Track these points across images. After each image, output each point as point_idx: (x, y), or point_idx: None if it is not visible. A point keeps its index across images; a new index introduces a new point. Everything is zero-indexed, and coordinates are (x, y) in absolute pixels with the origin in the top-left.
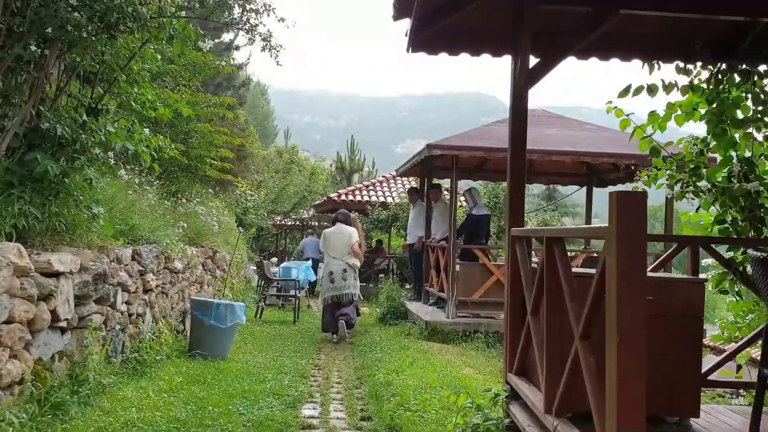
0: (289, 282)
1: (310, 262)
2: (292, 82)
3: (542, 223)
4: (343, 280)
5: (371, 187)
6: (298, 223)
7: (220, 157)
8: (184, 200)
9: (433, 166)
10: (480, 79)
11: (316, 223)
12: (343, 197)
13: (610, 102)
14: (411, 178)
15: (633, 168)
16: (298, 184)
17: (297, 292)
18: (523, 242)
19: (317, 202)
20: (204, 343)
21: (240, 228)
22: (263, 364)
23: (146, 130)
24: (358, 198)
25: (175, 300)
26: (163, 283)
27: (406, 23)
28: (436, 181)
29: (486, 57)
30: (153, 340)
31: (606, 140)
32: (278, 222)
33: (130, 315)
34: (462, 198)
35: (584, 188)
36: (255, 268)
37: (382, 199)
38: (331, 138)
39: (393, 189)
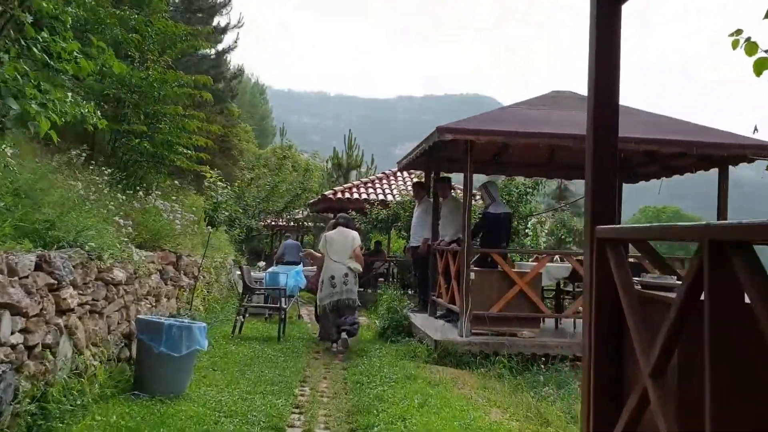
0: (276, 290)
1: (300, 266)
2: (292, 84)
3: (559, 223)
4: (344, 285)
5: (370, 185)
6: (293, 223)
7: (195, 146)
8: (141, 194)
9: (440, 158)
10: (478, 81)
11: (311, 224)
12: (339, 195)
13: (738, 32)
14: (413, 176)
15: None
16: (291, 181)
17: (284, 302)
18: (621, 250)
19: (311, 201)
20: (152, 377)
21: (209, 227)
22: (227, 405)
23: (63, 92)
24: (356, 196)
25: (114, 320)
26: (93, 300)
27: None
28: (443, 175)
29: None
30: (72, 378)
31: (648, 125)
32: (272, 222)
33: (29, 348)
34: (476, 194)
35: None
36: (239, 273)
37: (381, 197)
38: (330, 139)
39: (393, 186)
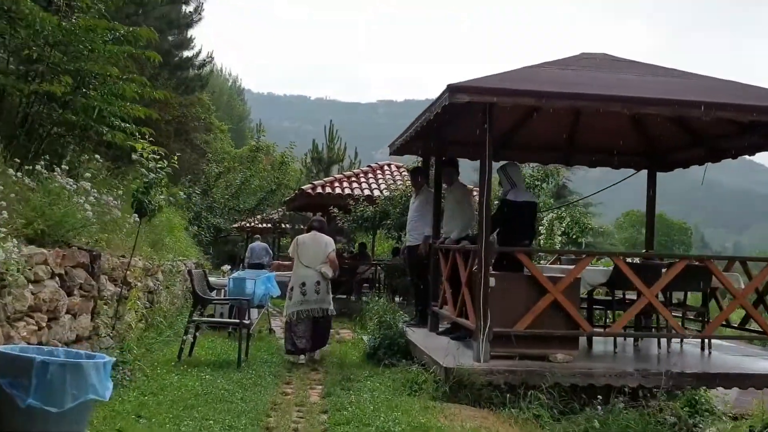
0: (239, 300)
1: (273, 272)
2: (271, 87)
3: (573, 221)
4: (316, 293)
5: (353, 179)
6: (269, 225)
7: (134, 117)
8: (41, 168)
9: (442, 139)
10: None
11: (289, 225)
12: (320, 190)
13: None
14: (402, 169)
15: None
16: (265, 176)
17: (250, 314)
18: None
19: (288, 198)
20: None
21: (137, 215)
22: None
23: None
24: (338, 191)
25: None
26: None
27: None
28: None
29: None
30: None
31: (707, 89)
32: (245, 224)
33: None
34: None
35: (594, 188)
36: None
37: (367, 192)
38: (310, 142)
39: (381, 180)
